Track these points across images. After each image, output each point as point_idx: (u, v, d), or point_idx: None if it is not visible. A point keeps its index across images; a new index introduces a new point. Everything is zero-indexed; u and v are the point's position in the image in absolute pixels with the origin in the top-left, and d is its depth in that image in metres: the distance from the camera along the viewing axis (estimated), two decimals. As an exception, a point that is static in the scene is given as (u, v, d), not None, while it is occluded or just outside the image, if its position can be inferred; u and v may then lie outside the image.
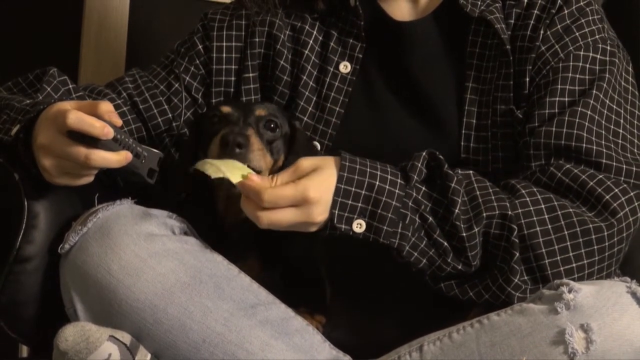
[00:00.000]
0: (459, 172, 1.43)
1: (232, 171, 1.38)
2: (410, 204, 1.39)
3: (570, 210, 1.40)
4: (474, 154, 1.58)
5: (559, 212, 1.40)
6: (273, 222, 1.35)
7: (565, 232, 1.39)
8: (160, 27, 2.19)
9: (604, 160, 1.45)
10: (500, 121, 1.56)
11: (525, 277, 1.39)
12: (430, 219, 1.39)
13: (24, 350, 1.98)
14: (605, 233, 1.40)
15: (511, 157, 1.55)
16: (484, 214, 1.39)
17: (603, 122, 1.49)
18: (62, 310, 1.46)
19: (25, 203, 1.50)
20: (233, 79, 1.69)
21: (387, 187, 1.38)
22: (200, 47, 1.69)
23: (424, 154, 1.41)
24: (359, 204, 1.37)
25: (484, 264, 1.41)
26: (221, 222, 1.56)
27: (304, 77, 1.66)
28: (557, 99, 1.51)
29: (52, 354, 1.38)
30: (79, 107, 1.35)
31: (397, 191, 1.38)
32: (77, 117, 1.32)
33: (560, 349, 1.29)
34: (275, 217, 1.35)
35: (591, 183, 1.42)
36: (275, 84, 1.67)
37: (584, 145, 1.46)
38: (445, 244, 1.39)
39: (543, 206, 1.40)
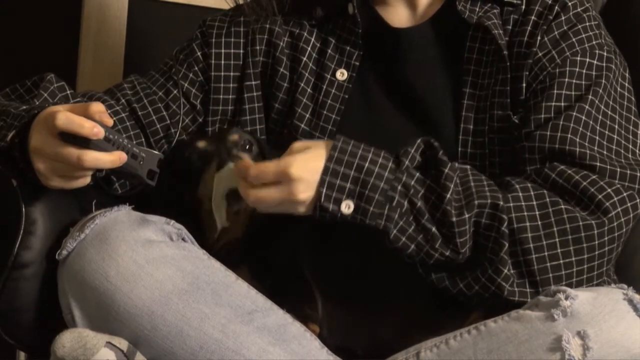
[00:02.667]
0: (457, 164, 1.44)
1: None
2: (399, 187, 1.40)
3: (562, 206, 1.41)
4: (471, 159, 1.59)
5: (550, 209, 1.41)
6: (259, 199, 1.38)
7: (555, 229, 1.40)
8: (158, 33, 2.20)
9: (597, 164, 1.45)
10: (498, 127, 1.57)
11: (512, 271, 1.40)
12: (419, 204, 1.40)
13: (22, 357, 1.98)
14: (595, 231, 1.40)
15: (508, 163, 1.56)
16: (476, 202, 1.40)
17: (598, 127, 1.50)
18: (59, 316, 1.46)
19: (23, 209, 1.51)
20: (232, 85, 1.70)
21: (376, 169, 1.39)
22: (199, 53, 1.70)
23: (418, 140, 1.43)
24: (348, 185, 1.38)
25: (475, 255, 1.42)
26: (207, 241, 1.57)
27: (302, 84, 1.67)
28: (553, 103, 1.52)
29: (49, 360, 1.35)
30: (71, 109, 1.37)
31: (386, 174, 1.39)
32: (66, 117, 1.34)
33: (557, 355, 1.30)
34: (260, 194, 1.38)
35: (584, 183, 1.43)
36: (275, 91, 1.69)
37: (578, 149, 1.47)
38: (434, 229, 1.40)
39: (535, 202, 1.41)
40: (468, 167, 1.45)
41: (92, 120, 1.35)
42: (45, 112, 1.39)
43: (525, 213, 1.40)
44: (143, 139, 1.66)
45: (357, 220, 1.39)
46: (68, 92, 1.63)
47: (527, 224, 1.40)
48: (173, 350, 1.39)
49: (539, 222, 1.40)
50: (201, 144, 1.55)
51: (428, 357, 1.38)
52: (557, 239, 1.40)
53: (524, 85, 1.56)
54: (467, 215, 1.39)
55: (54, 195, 1.49)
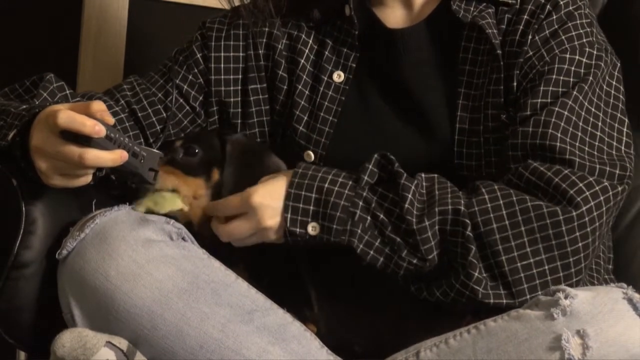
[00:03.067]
0: (422, 175, 1.47)
1: (162, 203, 1.53)
2: (360, 203, 1.43)
3: (529, 204, 1.41)
4: (468, 159, 1.59)
5: (517, 207, 1.41)
6: (230, 233, 1.47)
7: (523, 228, 1.40)
8: (159, 33, 2.20)
9: (576, 159, 1.45)
10: (492, 126, 1.57)
11: (484, 274, 1.41)
12: (382, 216, 1.43)
13: (22, 356, 1.98)
14: (564, 227, 1.40)
15: (505, 162, 1.55)
16: (437, 209, 1.42)
17: (580, 123, 1.50)
18: (59, 316, 1.46)
19: (23, 209, 1.51)
20: (234, 88, 1.70)
21: (336, 188, 1.44)
22: (198, 55, 1.70)
23: (375, 155, 1.46)
24: (311, 207, 1.44)
25: (446, 262, 1.43)
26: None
27: (300, 87, 1.68)
28: (539, 100, 1.52)
29: None
30: (72, 107, 1.37)
31: (346, 192, 1.43)
32: (67, 116, 1.34)
33: (557, 355, 1.30)
34: (230, 228, 1.47)
35: (556, 179, 1.43)
36: (276, 94, 1.69)
37: (558, 144, 1.47)
38: (399, 239, 1.42)
39: (501, 202, 1.42)
40: (435, 175, 1.47)
41: (93, 118, 1.35)
42: (47, 111, 1.39)
43: (492, 215, 1.41)
44: (142, 140, 1.67)
45: (324, 239, 1.43)
46: (67, 92, 1.63)
47: (494, 225, 1.41)
48: (173, 349, 1.40)
49: (507, 222, 1.41)
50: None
51: (428, 356, 1.38)
52: (525, 238, 1.41)
53: (515, 84, 1.56)
54: (427, 223, 1.41)
55: (54, 194, 1.49)
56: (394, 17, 1.67)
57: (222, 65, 1.69)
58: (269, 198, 1.45)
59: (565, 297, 1.32)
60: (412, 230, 1.41)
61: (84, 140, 1.35)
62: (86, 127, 1.34)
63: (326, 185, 1.44)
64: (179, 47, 1.73)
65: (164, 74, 1.71)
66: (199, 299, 1.41)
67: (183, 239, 1.50)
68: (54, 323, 1.45)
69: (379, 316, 1.51)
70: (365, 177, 1.45)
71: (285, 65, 1.69)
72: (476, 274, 1.40)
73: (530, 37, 1.56)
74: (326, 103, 1.66)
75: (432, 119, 1.62)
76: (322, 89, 1.66)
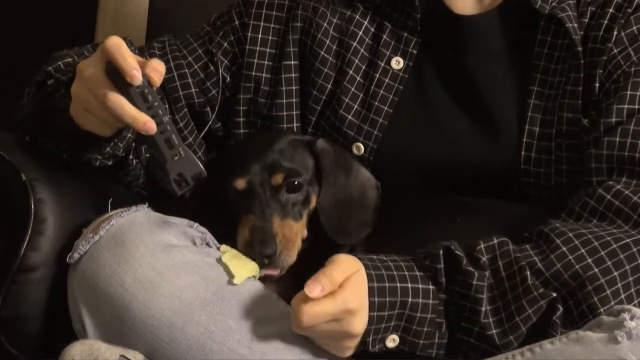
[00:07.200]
0: (485, 259, 1.37)
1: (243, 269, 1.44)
2: (443, 310, 1.37)
3: (615, 246, 1.35)
4: (535, 166, 1.55)
5: (602, 253, 1.34)
6: (311, 319, 1.29)
7: (615, 274, 1.34)
8: (182, 13, 2.15)
9: None
10: (567, 130, 1.54)
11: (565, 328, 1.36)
12: (464, 324, 1.36)
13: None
14: None
15: (577, 171, 1.53)
16: (518, 320, 1.33)
17: None
18: (68, 325, 1.44)
19: (32, 206, 1.48)
20: (267, 63, 1.66)
21: (420, 301, 1.35)
22: (236, 22, 1.68)
23: (441, 251, 1.37)
24: (392, 323, 1.34)
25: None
26: None
27: (351, 72, 1.64)
28: (626, 106, 1.49)
29: (55, 373, 1.41)
30: (134, 58, 1.37)
31: (430, 302, 1.36)
32: (116, 43, 1.35)
33: (620, 382, 1.30)
34: (314, 313, 1.28)
35: None
36: (314, 76, 1.66)
37: None
38: (484, 346, 1.36)
39: (583, 250, 1.35)
40: (497, 252, 1.38)
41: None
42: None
43: (577, 267, 1.34)
44: (165, 105, 1.63)
45: (405, 350, 1.37)
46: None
47: (584, 277, 1.33)
48: (193, 366, 1.42)
49: (596, 270, 1.33)
50: (240, 184, 1.50)
51: None
52: (619, 284, 1.33)
53: (597, 84, 1.52)
54: (512, 337, 1.34)
55: (67, 191, 1.49)
56: (461, 2, 1.64)
57: (260, 36, 1.67)
58: (364, 302, 1.31)
59: (631, 319, 1.28)
60: (496, 345, 1.35)
61: (122, 85, 1.34)
62: (125, 62, 1.34)
63: (410, 299, 1.34)
64: (217, 13, 1.72)
65: (199, 37, 1.70)
66: (224, 311, 1.38)
67: (207, 244, 1.47)
68: (63, 333, 1.43)
69: None
70: (443, 280, 1.36)
71: (332, 46, 1.65)
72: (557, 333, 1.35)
73: (615, 33, 1.53)
74: (381, 91, 1.62)
75: (498, 117, 1.59)
76: (377, 75, 1.63)
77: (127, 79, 1.33)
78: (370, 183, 1.56)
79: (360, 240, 1.51)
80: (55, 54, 1.59)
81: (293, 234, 1.49)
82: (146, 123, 1.34)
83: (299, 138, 1.58)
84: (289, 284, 1.47)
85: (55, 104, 1.47)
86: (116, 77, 1.35)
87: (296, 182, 1.50)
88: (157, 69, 1.37)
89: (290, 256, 1.47)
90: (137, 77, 1.33)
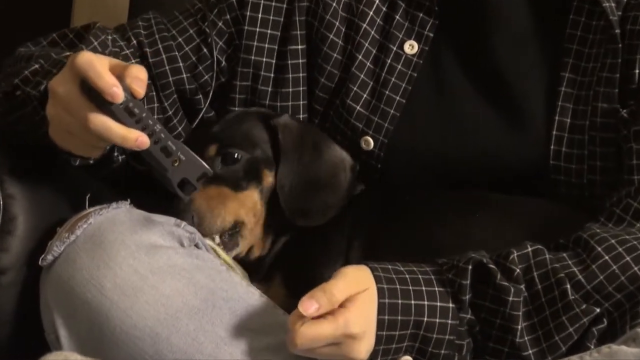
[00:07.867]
0: (520, 272, 1.32)
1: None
2: (465, 329, 1.31)
3: None
4: (566, 161, 1.49)
5: None
6: (309, 342, 1.23)
7: None
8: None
9: None
10: (601, 123, 1.48)
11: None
12: (492, 344, 1.30)
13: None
14: None
15: (612, 168, 1.47)
16: (557, 339, 1.28)
17: None
18: (41, 335, 1.39)
19: (1, 203, 1.44)
20: (269, 46, 1.59)
21: (437, 320, 1.29)
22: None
23: (470, 267, 1.31)
24: (405, 344, 1.29)
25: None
26: None
27: (360, 57, 1.57)
28: None
29: (26, 388, 1.39)
30: (111, 63, 1.29)
31: (449, 322, 1.31)
32: (88, 60, 1.26)
33: (656, 401, 1.27)
34: (312, 335, 1.23)
35: None
36: (322, 62, 1.59)
37: None
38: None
39: (629, 258, 1.29)
40: (530, 251, 1.32)
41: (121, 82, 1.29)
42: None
43: (623, 279, 1.27)
44: (154, 93, 1.58)
45: None
46: (122, 43, 1.56)
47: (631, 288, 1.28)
48: (181, 380, 1.40)
49: None
50: None
51: None
52: None
53: (637, 71, 1.46)
54: (549, 358, 1.30)
55: (40, 186, 1.45)
56: None
57: (260, 15, 1.59)
58: (370, 326, 1.26)
59: (669, 332, 1.29)
60: None
61: (102, 102, 1.26)
62: (101, 81, 1.25)
63: (425, 319, 1.29)
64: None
65: (190, 15, 1.61)
66: (215, 320, 1.32)
67: (196, 245, 1.42)
68: (35, 343, 1.38)
69: None
70: (466, 298, 1.31)
71: (341, 28, 1.58)
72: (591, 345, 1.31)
73: None
74: (393, 79, 1.55)
75: (525, 107, 1.53)
76: (389, 61, 1.56)
77: (107, 99, 1.26)
78: (343, 164, 1.54)
79: (322, 222, 1.48)
80: (19, 51, 1.51)
81: (223, 197, 1.47)
82: (138, 139, 1.28)
83: (257, 111, 1.57)
84: (280, 294, 1.43)
85: (26, 114, 1.40)
86: (94, 95, 1.27)
87: (235, 154, 1.49)
88: (139, 77, 1.29)
89: (216, 220, 1.44)
90: (118, 95, 1.26)
